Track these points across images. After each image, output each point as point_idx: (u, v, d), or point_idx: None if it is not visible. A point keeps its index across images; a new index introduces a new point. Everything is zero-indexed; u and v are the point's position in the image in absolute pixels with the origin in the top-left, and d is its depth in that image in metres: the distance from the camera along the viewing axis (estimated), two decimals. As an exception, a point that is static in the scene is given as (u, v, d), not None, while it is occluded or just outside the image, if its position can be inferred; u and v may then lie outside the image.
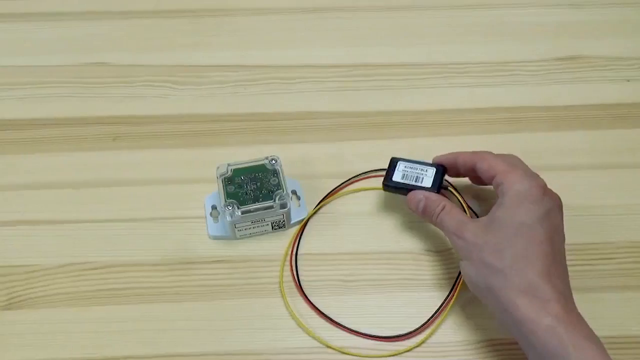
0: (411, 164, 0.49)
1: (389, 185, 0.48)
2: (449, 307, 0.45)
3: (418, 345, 0.44)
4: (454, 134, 0.56)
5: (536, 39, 0.63)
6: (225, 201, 0.47)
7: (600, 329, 0.44)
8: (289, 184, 0.49)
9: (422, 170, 0.48)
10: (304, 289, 0.47)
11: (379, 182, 0.52)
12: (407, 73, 0.60)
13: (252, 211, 0.47)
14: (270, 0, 0.66)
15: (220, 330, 0.45)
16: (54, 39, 0.64)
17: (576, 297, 0.46)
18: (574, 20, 0.64)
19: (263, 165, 0.49)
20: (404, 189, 0.48)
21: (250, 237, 0.49)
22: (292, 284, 0.47)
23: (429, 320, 0.45)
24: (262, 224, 0.48)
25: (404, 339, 0.44)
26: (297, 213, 0.50)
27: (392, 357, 0.44)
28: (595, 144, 0.55)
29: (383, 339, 0.44)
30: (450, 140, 0.55)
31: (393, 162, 0.49)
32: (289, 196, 0.48)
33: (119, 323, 0.45)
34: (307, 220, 0.50)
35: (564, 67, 0.60)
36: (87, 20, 0.65)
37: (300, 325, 0.45)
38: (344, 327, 0.45)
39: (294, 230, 0.50)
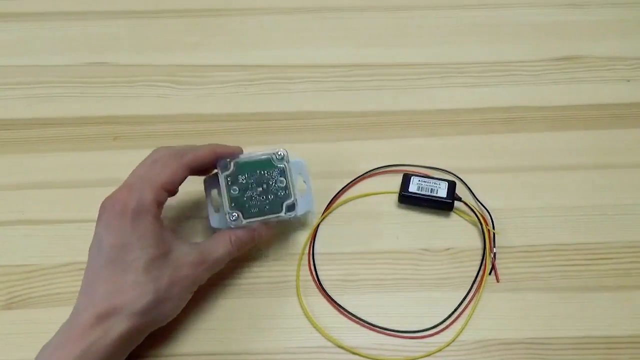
0: (424, 178, 0.50)
1: (406, 195, 0.50)
2: (473, 303, 0.46)
3: (451, 342, 0.44)
4: (453, 134, 0.56)
5: (535, 38, 0.63)
6: (230, 208, 0.44)
7: (598, 329, 0.45)
8: (293, 167, 0.45)
9: (435, 183, 0.50)
10: (326, 289, 0.47)
11: (379, 182, 0.53)
12: (406, 73, 0.60)
13: (260, 216, 0.44)
14: (271, 0, 0.66)
15: (220, 330, 0.45)
16: (54, 39, 0.64)
17: (575, 296, 0.46)
18: (573, 20, 0.64)
19: (269, 161, 0.45)
20: (421, 199, 0.49)
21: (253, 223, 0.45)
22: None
23: (451, 318, 0.45)
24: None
25: (435, 334, 0.45)
26: (303, 203, 0.47)
27: (426, 358, 0.44)
28: (594, 144, 0.55)
29: (416, 336, 0.44)
30: (448, 140, 0.55)
31: (407, 177, 0.51)
32: (297, 201, 0.45)
33: (119, 323, 0.45)
34: (320, 222, 0.50)
35: (563, 67, 0.60)
36: (87, 20, 0.65)
37: (315, 326, 0.45)
38: (374, 326, 0.45)
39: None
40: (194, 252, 0.42)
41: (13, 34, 0.64)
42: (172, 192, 0.43)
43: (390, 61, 0.61)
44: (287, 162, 0.45)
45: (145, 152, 0.50)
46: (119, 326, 0.38)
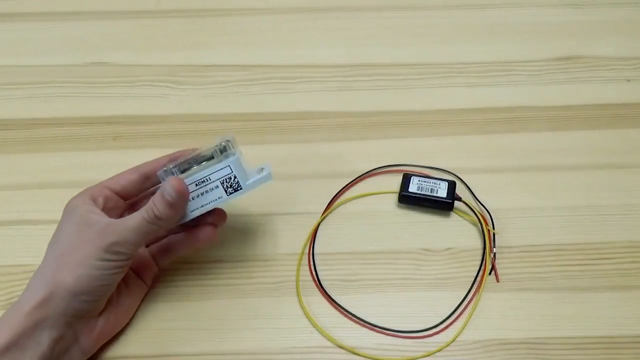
0: (424, 178, 0.51)
1: (406, 195, 0.50)
2: (473, 303, 0.46)
3: (451, 342, 0.44)
4: (453, 134, 0.56)
5: (536, 39, 0.63)
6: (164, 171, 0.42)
7: (599, 329, 0.45)
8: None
9: (435, 183, 0.50)
10: (326, 289, 0.47)
11: (379, 182, 0.53)
12: (406, 73, 0.60)
13: (192, 166, 0.41)
14: (271, 1, 0.66)
15: (220, 329, 0.45)
16: (54, 39, 0.64)
17: (576, 296, 0.46)
18: (573, 20, 0.64)
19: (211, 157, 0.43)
20: (421, 199, 0.50)
21: (202, 209, 0.43)
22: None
23: (451, 318, 0.45)
24: (211, 186, 0.42)
25: (435, 334, 0.45)
26: (257, 175, 0.43)
27: (426, 358, 0.44)
28: (595, 144, 0.55)
29: (416, 336, 0.44)
30: (449, 140, 0.55)
31: (407, 177, 0.51)
32: (234, 143, 0.42)
33: (119, 323, 0.45)
34: (320, 222, 0.50)
35: (564, 67, 0.60)
36: (87, 20, 0.65)
37: (315, 326, 0.45)
38: (374, 326, 0.45)
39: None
40: (100, 225, 0.40)
41: (13, 34, 0.64)
42: (120, 192, 0.44)
43: (390, 61, 0.61)
44: (231, 139, 0.42)
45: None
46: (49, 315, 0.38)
